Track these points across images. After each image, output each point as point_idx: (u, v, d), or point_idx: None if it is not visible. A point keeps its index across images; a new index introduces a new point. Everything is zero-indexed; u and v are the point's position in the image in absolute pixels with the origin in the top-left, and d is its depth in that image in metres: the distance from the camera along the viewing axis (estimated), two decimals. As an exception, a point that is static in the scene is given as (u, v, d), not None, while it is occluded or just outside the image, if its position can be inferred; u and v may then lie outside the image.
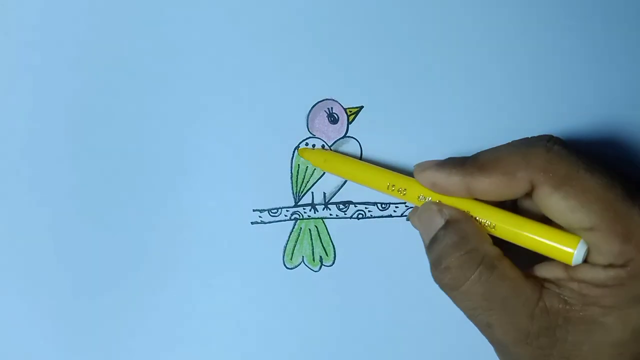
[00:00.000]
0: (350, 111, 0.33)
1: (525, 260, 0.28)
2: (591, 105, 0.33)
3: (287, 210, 0.34)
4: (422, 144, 0.33)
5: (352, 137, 0.33)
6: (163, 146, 0.33)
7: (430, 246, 0.29)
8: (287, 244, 0.34)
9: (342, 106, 0.33)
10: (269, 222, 0.34)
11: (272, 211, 0.34)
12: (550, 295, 0.27)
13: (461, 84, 0.33)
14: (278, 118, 0.33)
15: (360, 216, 0.34)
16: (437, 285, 0.33)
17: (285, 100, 0.33)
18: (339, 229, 0.34)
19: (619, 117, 0.34)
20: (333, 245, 0.34)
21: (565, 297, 0.27)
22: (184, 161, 0.33)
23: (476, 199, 0.29)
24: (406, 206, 0.34)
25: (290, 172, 0.33)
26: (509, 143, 0.29)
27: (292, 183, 0.33)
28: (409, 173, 0.32)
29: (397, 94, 0.33)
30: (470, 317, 0.28)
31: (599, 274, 0.26)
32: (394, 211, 0.34)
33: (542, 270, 0.28)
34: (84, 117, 0.33)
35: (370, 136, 0.33)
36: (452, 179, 0.28)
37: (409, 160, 0.33)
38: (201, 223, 0.33)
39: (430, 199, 0.30)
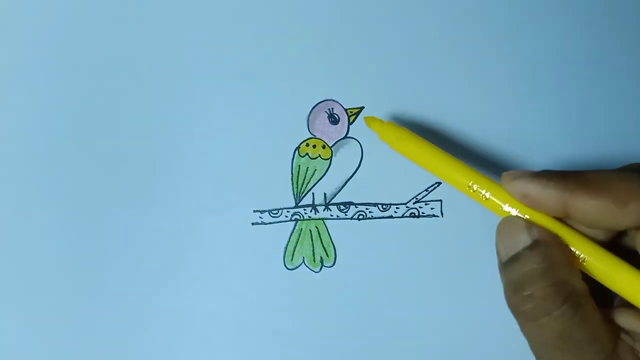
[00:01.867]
0: (351, 112, 0.33)
1: (601, 299, 0.26)
2: (593, 107, 0.33)
3: (287, 211, 0.34)
4: (423, 144, 0.33)
5: (352, 138, 0.33)
6: (163, 147, 0.33)
7: (509, 264, 0.26)
8: (287, 245, 0.34)
9: (342, 107, 0.33)
10: (270, 223, 0.34)
11: (273, 212, 0.33)
12: (624, 348, 0.25)
13: (461, 85, 0.33)
14: (279, 119, 0.33)
15: (361, 217, 0.34)
16: (436, 286, 0.33)
17: (285, 101, 0.33)
18: (339, 229, 0.34)
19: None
20: (334, 246, 0.34)
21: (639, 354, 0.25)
22: (184, 162, 0.33)
23: (568, 225, 0.26)
24: (407, 207, 0.34)
25: (290, 172, 0.33)
26: (622, 167, 0.26)
27: (292, 184, 0.33)
28: (410, 179, 0.32)
29: (398, 94, 0.33)
30: (536, 351, 0.26)
31: None
32: (395, 212, 0.34)
33: (619, 317, 0.26)
34: (84, 118, 0.33)
35: (371, 137, 0.33)
36: (549, 192, 0.25)
37: (410, 160, 0.33)
38: (202, 224, 0.33)
39: (516, 211, 0.26)
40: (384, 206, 0.34)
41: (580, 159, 0.33)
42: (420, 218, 0.34)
